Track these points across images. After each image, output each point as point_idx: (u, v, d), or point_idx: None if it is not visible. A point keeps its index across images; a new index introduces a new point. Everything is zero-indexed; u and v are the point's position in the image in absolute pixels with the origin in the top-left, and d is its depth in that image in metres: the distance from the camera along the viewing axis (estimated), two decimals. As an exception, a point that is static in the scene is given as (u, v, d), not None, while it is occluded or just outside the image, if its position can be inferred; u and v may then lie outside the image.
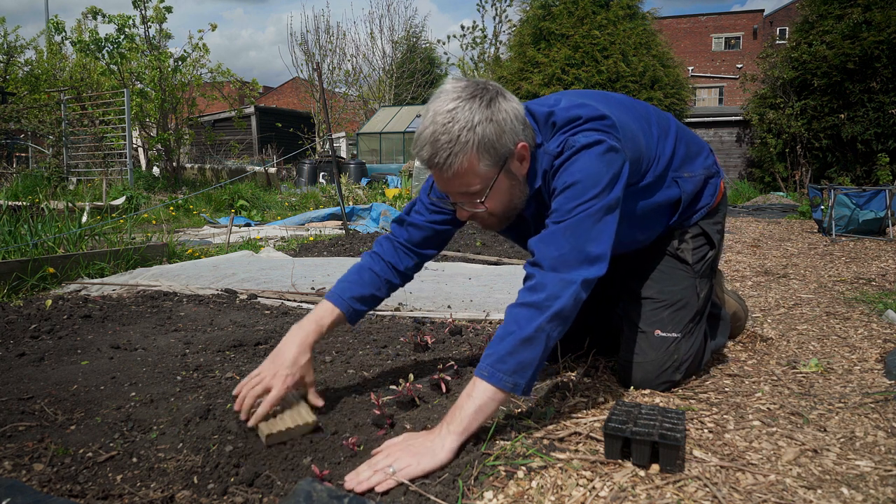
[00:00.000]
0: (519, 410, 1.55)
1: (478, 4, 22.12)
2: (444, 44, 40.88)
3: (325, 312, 1.59)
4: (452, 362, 1.86)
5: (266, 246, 4.99)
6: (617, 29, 12.98)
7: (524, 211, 1.59)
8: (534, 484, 1.20)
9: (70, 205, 5.43)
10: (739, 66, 30.07)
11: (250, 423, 1.41)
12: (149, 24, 11.70)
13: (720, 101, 31.31)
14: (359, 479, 1.19)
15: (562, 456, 1.30)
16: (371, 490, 1.17)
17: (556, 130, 1.49)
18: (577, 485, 1.19)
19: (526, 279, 1.40)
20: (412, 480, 1.20)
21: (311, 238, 5.58)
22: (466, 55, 22.95)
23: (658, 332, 1.71)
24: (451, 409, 1.32)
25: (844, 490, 1.17)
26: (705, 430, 1.45)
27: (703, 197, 1.78)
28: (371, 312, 2.68)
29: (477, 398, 1.30)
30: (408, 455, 1.24)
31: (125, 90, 10.14)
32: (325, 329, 1.57)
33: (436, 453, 1.25)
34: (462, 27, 25.39)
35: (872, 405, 1.59)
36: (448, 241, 1.79)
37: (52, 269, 3.19)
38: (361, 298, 1.63)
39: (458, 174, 1.39)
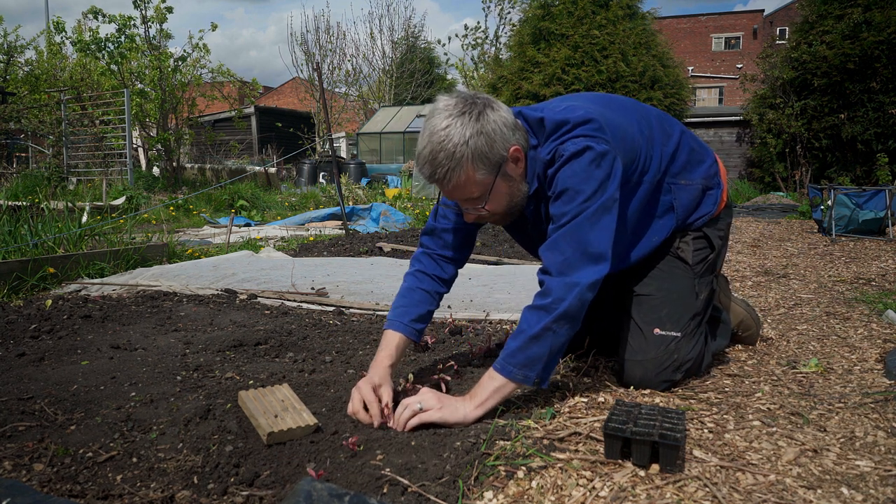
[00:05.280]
0: (519, 410, 1.55)
1: (483, 4, 22.08)
2: (444, 45, 40.86)
3: (390, 340, 1.68)
4: (452, 362, 1.86)
5: (266, 246, 4.99)
6: (616, 29, 12.98)
7: (525, 209, 1.68)
8: (534, 484, 1.20)
9: (70, 205, 5.43)
10: (739, 66, 30.06)
11: (377, 423, 1.47)
12: (149, 24, 11.71)
13: (720, 101, 31.29)
14: (396, 417, 1.44)
15: (562, 456, 1.30)
16: (403, 430, 1.42)
17: (548, 135, 1.58)
18: (577, 485, 1.19)
19: (539, 285, 1.53)
20: (429, 426, 1.42)
21: (311, 238, 5.58)
22: (467, 55, 22.93)
23: (657, 331, 1.71)
24: (475, 386, 1.50)
25: (844, 490, 1.17)
26: (705, 430, 1.45)
27: (701, 206, 1.80)
28: (370, 312, 2.69)
29: (496, 381, 1.47)
30: (435, 400, 1.45)
31: (125, 90, 10.13)
32: (395, 353, 1.66)
33: (457, 410, 1.45)
34: (465, 27, 25.40)
35: (872, 405, 1.59)
36: (475, 241, 1.90)
37: (52, 269, 3.19)
38: (419, 318, 1.73)
39: (457, 186, 1.51)
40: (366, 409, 1.49)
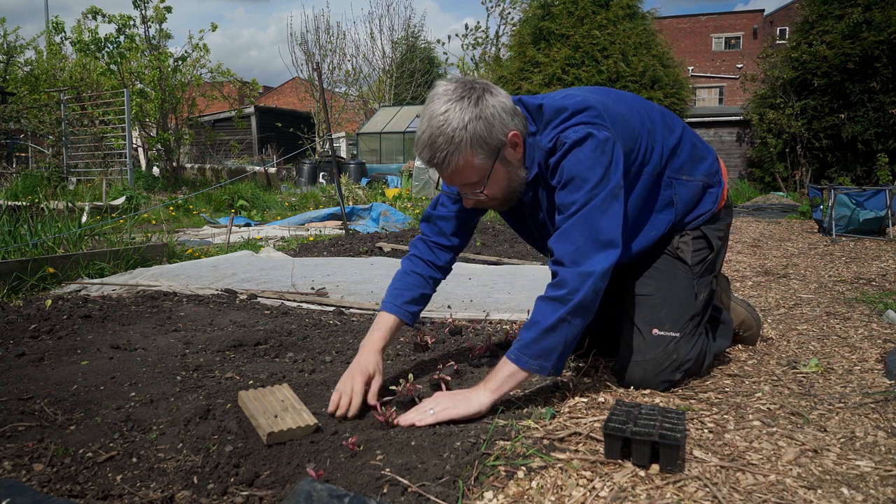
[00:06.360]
0: (519, 410, 1.55)
1: (484, 4, 21.99)
2: (443, 44, 40.82)
3: (383, 322, 1.72)
4: (452, 362, 1.86)
5: (266, 246, 4.99)
6: (617, 29, 12.98)
7: (523, 196, 1.68)
8: (534, 484, 1.20)
9: (70, 205, 5.42)
10: (739, 66, 30.05)
11: (351, 414, 1.51)
12: (149, 23, 11.71)
13: (720, 101, 31.29)
14: (406, 418, 1.45)
15: (562, 456, 1.30)
16: (412, 426, 1.43)
17: (548, 122, 1.59)
18: (577, 485, 1.19)
19: (552, 276, 1.54)
20: (447, 422, 1.44)
21: (311, 238, 5.58)
22: (467, 55, 22.90)
23: (656, 332, 1.71)
24: (490, 373, 1.52)
25: (844, 490, 1.17)
26: (705, 430, 1.45)
27: (701, 203, 1.80)
28: (370, 312, 2.69)
29: (510, 368, 1.49)
30: (447, 400, 1.48)
31: (125, 90, 10.13)
32: (387, 335, 1.70)
33: (470, 402, 1.47)
34: (466, 27, 25.35)
35: (872, 405, 1.59)
36: (474, 229, 1.91)
37: (51, 269, 3.19)
38: (413, 300, 1.76)
39: (456, 170, 1.52)
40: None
